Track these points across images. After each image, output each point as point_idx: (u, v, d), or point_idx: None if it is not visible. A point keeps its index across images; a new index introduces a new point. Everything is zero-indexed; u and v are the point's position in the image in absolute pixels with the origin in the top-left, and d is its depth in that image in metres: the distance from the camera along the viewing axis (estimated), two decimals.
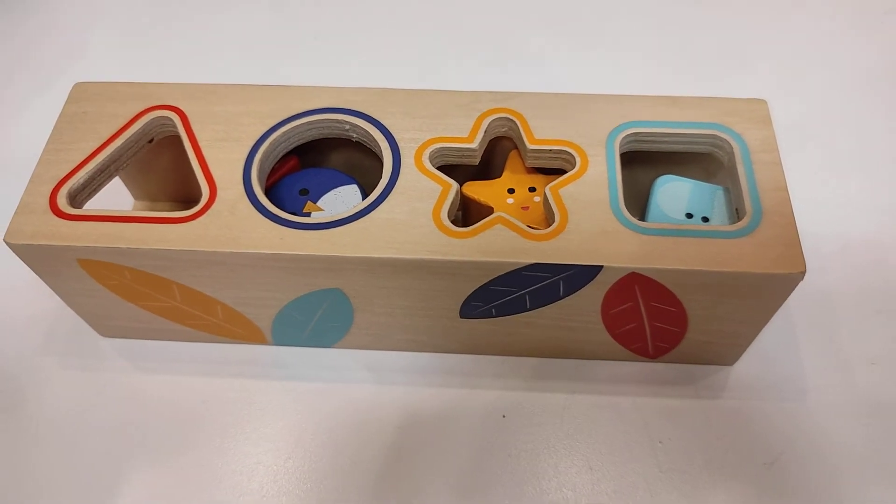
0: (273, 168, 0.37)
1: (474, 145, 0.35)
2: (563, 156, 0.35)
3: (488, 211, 0.35)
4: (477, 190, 0.36)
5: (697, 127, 0.35)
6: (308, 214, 0.35)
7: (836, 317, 0.40)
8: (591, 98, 0.36)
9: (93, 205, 0.36)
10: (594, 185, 0.33)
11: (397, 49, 0.55)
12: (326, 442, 0.37)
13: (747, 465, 0.35)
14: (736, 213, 0.34)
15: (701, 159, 0.37)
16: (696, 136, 0.35)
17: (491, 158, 0.38)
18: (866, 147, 0.48)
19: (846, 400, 0.37)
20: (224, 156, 0.35)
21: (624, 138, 0.35)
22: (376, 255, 0.31)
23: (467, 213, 0.37)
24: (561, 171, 0.35)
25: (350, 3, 0.58)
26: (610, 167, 0.34)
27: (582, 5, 0.57)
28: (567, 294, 0.33)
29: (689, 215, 0.35)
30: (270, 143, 0.35)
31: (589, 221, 0.32)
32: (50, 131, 0.36)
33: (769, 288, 0.31)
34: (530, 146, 0.35)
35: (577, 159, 0.34)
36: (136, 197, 0.43)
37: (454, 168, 0.36)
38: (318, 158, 0.39)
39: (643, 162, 0.37)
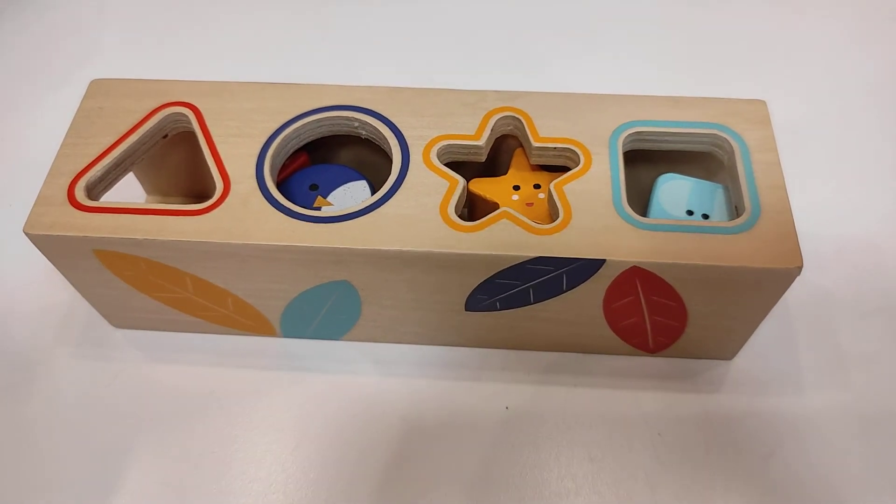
0: (284, 164, 0.37)
1: (481, 143, 0.36)
2: (568, 154, 0.36)
3: (494, 207, 0.36)
4: (483, 187, 0.37)
5: (698, 127, 0.36)
6: (318, 209, 0.36)
7: (833, 315, 0.41)
8: (594, 98, 0.37)
9: (107, 199, 0.36)
10: (597, 182, 0.34)
11: (406, 50, 0.56)
12: (333, 432, 0.38)
13: (745, 457, 0.36)
14: (735, 211, 0.35)
15: (702, 158, 0.38)
16: (697, 135, 0.36)
17: (497, 156, 0.39)
18: (865, 149, 0.49)
19: (842, 395, 0.38)
20: (237, 151, 0.36)
21: (627, 137, 0.36)
22: (384, 248, 0.32)
23: (473, 210, 0.38)
24: (565, 169, 0.36)
25: (361, 4, 0.59)
26: (613, 165, 0.35)
27: (587, 9, 0.58)
28: (570, 288, 0.34)
29: (690, 212, 0.36)
30: (282, 139, 0.36)
31: (592, 217, 0.33)
32: (64, 127, 0.37)
33: (766, 282, 0.32)
34: (535, 144, 0.36)
35: (581, 157, 0.35)
36: (148, 192, 0.44)
37: (461, 165, 0.36)
38: (328, 155, 0.40)
39: (645, 161, 0.38)
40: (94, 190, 0.35)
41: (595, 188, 0.34)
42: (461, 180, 0.34)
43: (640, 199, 0.38)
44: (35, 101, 0.53)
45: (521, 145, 0.38)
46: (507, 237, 0.32)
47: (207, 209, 0.34)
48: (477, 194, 0.37)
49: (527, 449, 0.37)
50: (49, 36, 0.58)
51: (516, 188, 0.37)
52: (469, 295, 0.35)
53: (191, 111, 0.37)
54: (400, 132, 0.36)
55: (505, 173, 0.38)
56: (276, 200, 0.34)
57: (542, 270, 0.33)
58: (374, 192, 0.36)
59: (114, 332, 0.41)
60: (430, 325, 0.38)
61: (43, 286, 0.42)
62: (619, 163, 0.35)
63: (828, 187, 0.46)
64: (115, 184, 0.37)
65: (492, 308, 0.36)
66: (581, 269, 0.32)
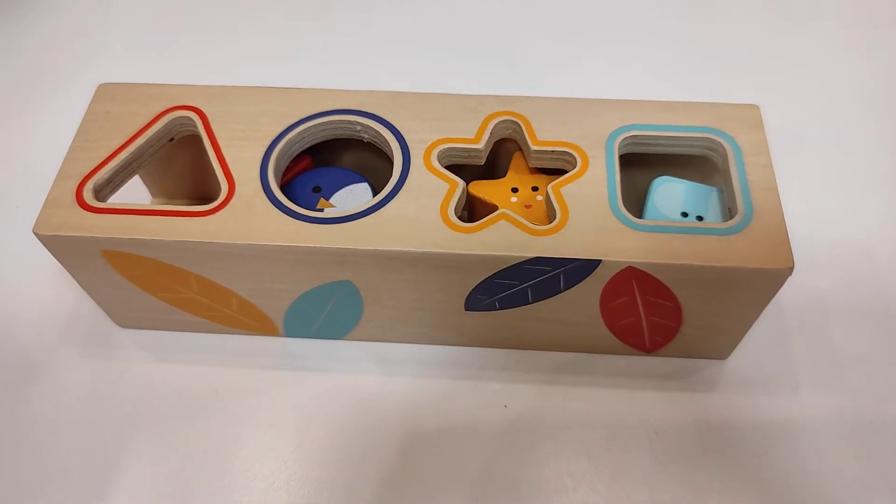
0: (287, 167, 0.38)
1: (480, 146, 0.37)
2: (565, 157, 0.36)
3: (493, 209, 0.36)
4: (482, 189, 0.38)
5: (693, 131, 0.36)
6: (321, 210, 0.37)
7: (827, 317, 0.41)
8: (591, 103, 0.38)
9: (113, 201, 0.37)
10: (594, 184, 0.35)
11: (408, 55, 0.57)
12: (335, 430, 0.38)
13: (740, 456, 0.37)
14: (729, 213, 0.36)
15: (696, 162, 0.38)
16: (692, 139, 0.36)
17: (496, 159, 0.39)
18: (859, 153, 0.49)
19: (835, 396, 0.38)
20: (242, 154, 0.36)
21: (623, 141, 0.36)
22: (386, 248, 0.33)
23: (473, 212, 0.39)
24: (562, 172, 0.36)
25: (364, 11, 0.60)
26: (609, 168, 0.35)
27: (584, 16, 0.59)
28: (567, 287, 0.34)
29: (685, 214, 0.36)
30: (286, 143, 0.37)
31: (589, 218, 0.34)
32: (70, 129, 0.37)
33: (759, 283, 0.33)
34: (533, 147, 0.36)
35: (578, 160, 0.36)
36: (153, 194, 0.45)
37: (461, 168, 0.37)
38: (331, 158, 0.41)
39: (641, 164, 0.38)
40: (102, 192, 0.36)
41: (592, 190, 0.35)
42: (461, 182, 0.35)
43: (636, 202, 0.38)
44: (40, 103, 0.54)
45: (519, 149, 0.39)
46: (505, 238, 0.33)
47: (213, 210, 0.34)
48: (476, 196, 0.38)
49: (525, 446, 0.37)
50: (55, 39, 0.59)
51: (515, 190, 0.38)
52: (469, 295, 0.36)
53: (196, 115, 0.38)
54: (401, 135, 0.37)
55: (504, 176, 0.39)
56: (280, 202, 0.35)
57: (540, 270, 0.33)
58: (375, 194, 0.37)
59: (119, 332, 0.42)
60: (431, 325, 0.39)
61: (49, 287, 0.43)
62: (615, 166, 0.35)
63: (823, 191, 0.47)
64: (121, 186, 0.37)
65: (491, 308, 0.37)
66: (578, 270, 0.33)
